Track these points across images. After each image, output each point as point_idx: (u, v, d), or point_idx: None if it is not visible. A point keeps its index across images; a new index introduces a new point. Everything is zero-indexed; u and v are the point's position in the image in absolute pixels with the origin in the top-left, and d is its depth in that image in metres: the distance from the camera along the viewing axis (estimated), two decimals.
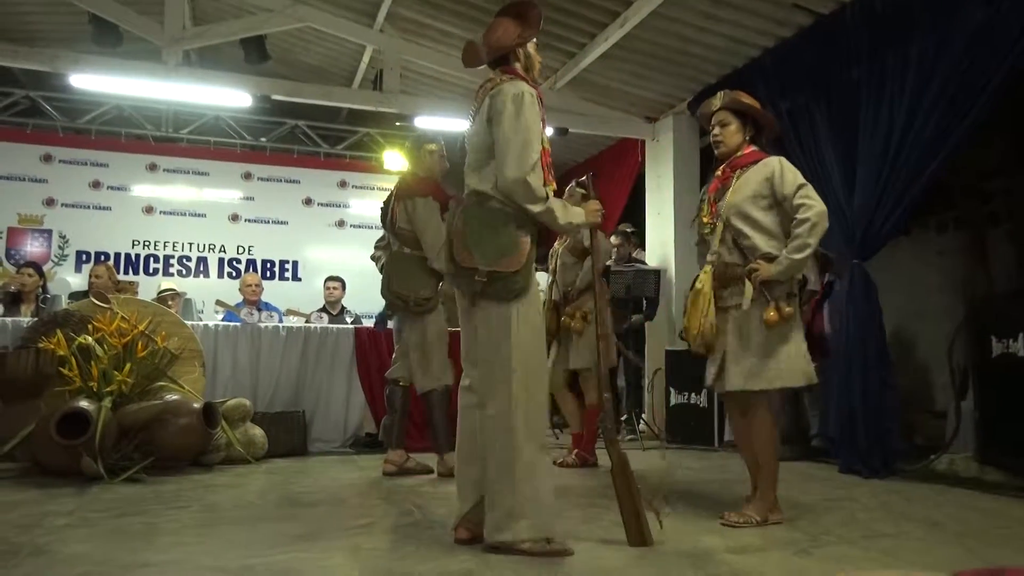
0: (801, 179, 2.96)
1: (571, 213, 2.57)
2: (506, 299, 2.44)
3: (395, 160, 8.33)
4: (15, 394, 4.06)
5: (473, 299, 2.49)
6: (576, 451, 4.60)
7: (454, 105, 6.61)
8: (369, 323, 5.83)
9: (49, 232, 7.51)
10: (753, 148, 3.13)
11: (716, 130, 3.16)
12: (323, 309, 6.39)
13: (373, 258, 4.60)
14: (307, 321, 5.85)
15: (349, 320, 6.30)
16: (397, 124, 7.93)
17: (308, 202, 8.43)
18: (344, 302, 6.63)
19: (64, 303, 5.04)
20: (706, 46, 5.62)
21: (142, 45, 6.36)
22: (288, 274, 8.26)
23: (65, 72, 5.88)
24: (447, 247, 2.56)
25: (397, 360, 4.28)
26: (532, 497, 2.37)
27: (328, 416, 5.24)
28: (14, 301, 5.51)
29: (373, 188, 8.58)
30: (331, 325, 5.60)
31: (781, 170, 2.97)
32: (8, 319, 4.72)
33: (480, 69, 2.72)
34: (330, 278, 6.67)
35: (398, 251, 4.17)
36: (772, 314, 2.86)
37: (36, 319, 4.54)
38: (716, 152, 3.20)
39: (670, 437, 5.73)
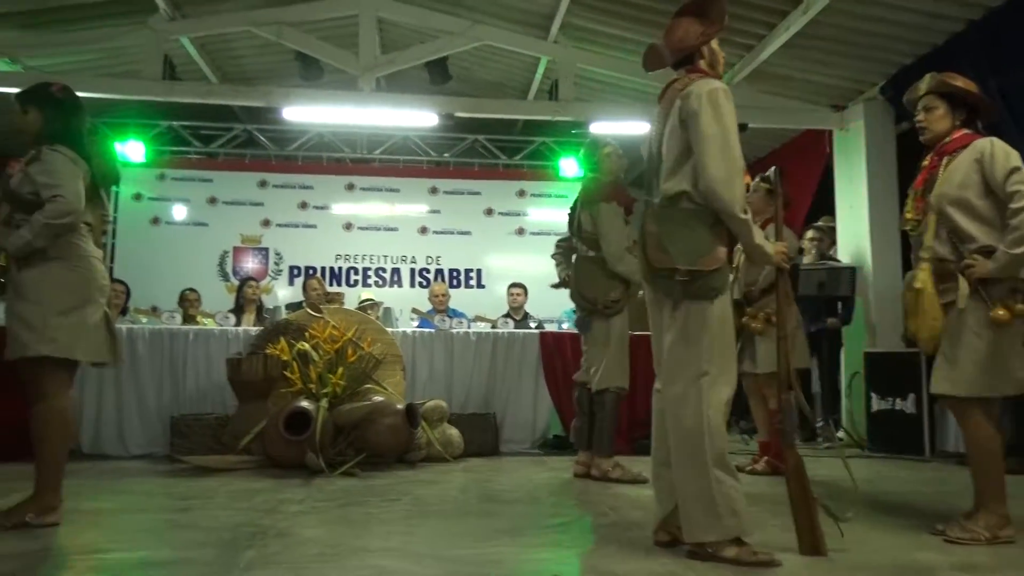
0: (1015, 162, 2.69)
1: (762, 239, 2.51)
2: (707, 297, 2.42)
3: (571, 167, 8.47)
4: (248, 395, 4.60)
5: (675, 300, 2.47)
6: (766, 458, 4.45)
7: (629, 109, 6.64)
8: (551, 327, 5.98)
9: (266, 250, 8.39)
10: (964, 131, 2.88)
11: (920, 115, 2.95)
12: (507, 315, 6.63)
13: (552, 256, 4.71)
14: (493, 326, 6.10)
15: (533, 325, 6.49)
16: (572, 132, 8.06)
17: (489, 212, 8.76)
18: (526, 308, 6.83)
19: (283, 314, 5.62)
20: (899, 25, 5.24)
21: (336, 76, 6.96)
22: (473, 282, 8.65)
23: (277, 106, 6.57)
24: (640, 250, 2.59)
25: (585, 363, 4.37)
26: (726, 497, 2.33)
27: (517, 418, 5.43)
28: (238, 310, 6.28)
29: (550, 196, 8.76)
30: (517, 330, 5.81)
31: (991, 152, 2.71)
32: (240, 328, 5.35)
33: (659, 72, 2.72)
34: (513, 284, 6.90)
35: (584, 255, 4.26)
36: (1002, 312, 2.61)
37: (263, 328, 5.11)
38: (921, 138, 2.98)
39: (872, 446, 5.37)
